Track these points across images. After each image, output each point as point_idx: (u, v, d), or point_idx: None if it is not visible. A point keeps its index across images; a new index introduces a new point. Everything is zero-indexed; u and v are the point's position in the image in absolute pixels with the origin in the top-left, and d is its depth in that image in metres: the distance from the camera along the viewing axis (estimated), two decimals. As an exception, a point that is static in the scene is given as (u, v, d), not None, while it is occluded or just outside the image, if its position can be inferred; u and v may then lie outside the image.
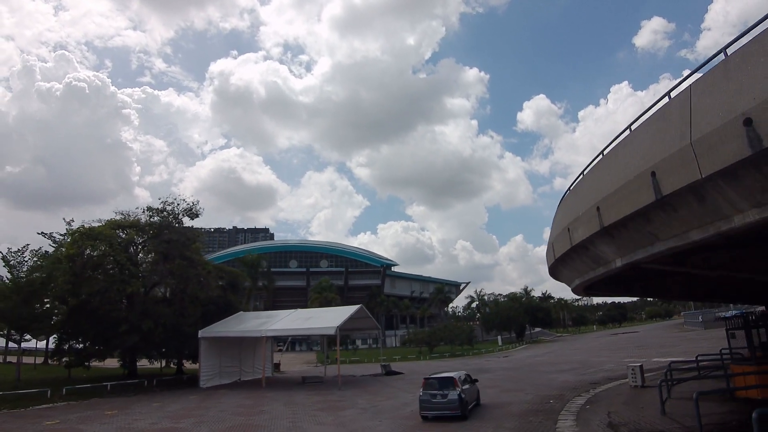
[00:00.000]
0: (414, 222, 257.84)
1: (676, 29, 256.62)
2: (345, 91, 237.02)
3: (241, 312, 38.48)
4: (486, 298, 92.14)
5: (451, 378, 16.64)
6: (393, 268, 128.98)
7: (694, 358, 23.71)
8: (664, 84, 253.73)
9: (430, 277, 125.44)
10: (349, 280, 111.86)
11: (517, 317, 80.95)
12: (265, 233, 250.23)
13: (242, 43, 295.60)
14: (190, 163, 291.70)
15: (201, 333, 33.02)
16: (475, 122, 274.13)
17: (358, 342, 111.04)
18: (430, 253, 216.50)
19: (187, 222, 37.12)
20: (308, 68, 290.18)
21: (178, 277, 33.59)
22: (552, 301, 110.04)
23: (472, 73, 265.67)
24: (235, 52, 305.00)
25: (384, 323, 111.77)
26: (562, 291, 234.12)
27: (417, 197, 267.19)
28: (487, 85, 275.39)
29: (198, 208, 37.15)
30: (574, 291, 20.07)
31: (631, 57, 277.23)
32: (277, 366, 47.45)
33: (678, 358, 33.01)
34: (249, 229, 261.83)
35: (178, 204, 36.38)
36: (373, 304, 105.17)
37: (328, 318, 31.75)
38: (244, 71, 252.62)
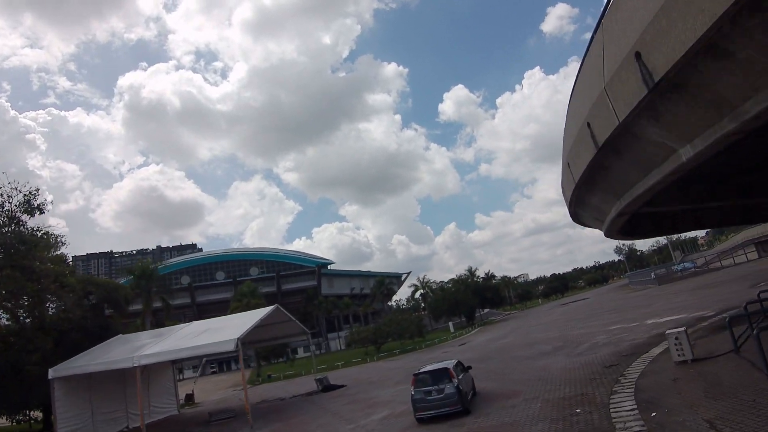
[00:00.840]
0: (348, 222, 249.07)
1: (579, 13, 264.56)
2: (264, 96, 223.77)
3: (120, 336, 28.37)
4: (431, 285, 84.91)
5: (445, 369, 14.63)
6: (329, 267, 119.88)
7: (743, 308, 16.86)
8: (573, 67, 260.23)
9: (369, 272, 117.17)
10: (282, 285, 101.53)
11: (466, 300, 74.23)
12: (192, 249, 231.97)
13: (150, 53, 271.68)
14: (108, 186, 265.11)
15: (52, 372, 22.80)
16: (398, 117, 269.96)
17: (300, 350, 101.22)
18: (368, 251, 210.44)
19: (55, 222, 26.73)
20: (223, 75, 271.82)
21: (7, 295, 23.30)
22: (495, 280, 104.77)
23: (390, 68, 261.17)
24: (144, 64, 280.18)
25: (325, 326, 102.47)
26: (503, 270, 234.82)
27: (348, 197, 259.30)
28: (407, 79, 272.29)
29: (42, 201, 26.61)
30: (611, 228, 13.09)
31: (540, 43, 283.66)
32: (189, 397, 37.45)
33: (673, 316, 26.80)
34: (175, 247, 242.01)
35: (9, 197, 25.63)
36: (310, 307, 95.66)
37: (230, 329, 22.59)
38: (156, 83, 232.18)
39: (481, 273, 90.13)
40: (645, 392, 12.09)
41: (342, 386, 28.23)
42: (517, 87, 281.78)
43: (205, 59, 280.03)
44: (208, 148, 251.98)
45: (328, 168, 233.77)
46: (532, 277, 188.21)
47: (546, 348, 26.05)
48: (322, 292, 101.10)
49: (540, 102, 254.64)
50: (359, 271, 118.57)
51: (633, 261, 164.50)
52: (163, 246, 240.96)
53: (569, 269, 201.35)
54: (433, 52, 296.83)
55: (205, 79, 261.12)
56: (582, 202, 13.58)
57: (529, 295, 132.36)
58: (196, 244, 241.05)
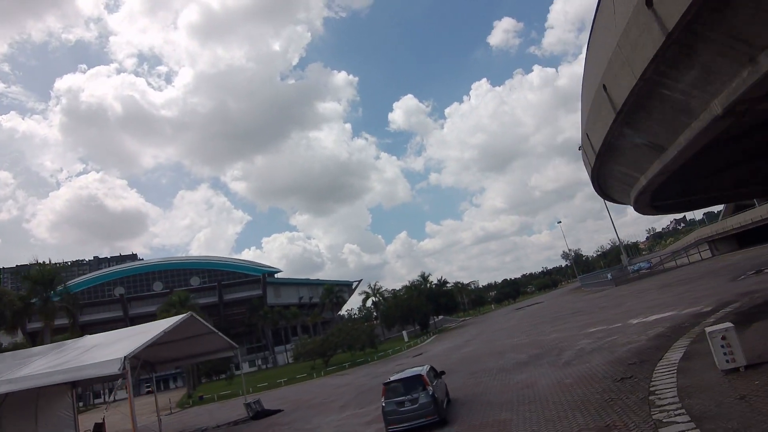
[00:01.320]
0: (299, 231, 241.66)
1: (524, 28, 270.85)
2: (211, 102, 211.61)
3: (-7, 357, 22.33)
4: (383, 292, 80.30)
5: (419, 376, 13.22)
6: (277, 275, 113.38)
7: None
8: (518, 79, 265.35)
9: (318, 280, 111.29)
10: (224, 295, 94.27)
11: (420, 306, 70.15)
12: (133, 260, 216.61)
13: (90, 55, 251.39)
14: (43, 195, 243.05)
15: None
16: (348, 125, 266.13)
17: (245, 365, 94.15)
18: (319, 260, 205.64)
19: None
20: (168, 80, 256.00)
21: None
22: (449, 285, 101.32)
23: (341, 77, 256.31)
24: (83, 66, 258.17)
25: (272, 338, 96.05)
26: (453, 278, 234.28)
27: (299, 206, 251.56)
28: (357, 87, 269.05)
29: None
30: (643, 193, 8.69)
31: (487, 55, 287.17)
32: (98, 427, 31.16)
33: (660, 314, 23.52)
34: (114, 258, 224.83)
35: None
36: (255, 318, 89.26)
37: (124, 343, 17.15)
38: (96, 86, 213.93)
39: (433, 279, 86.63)
40: (712, 422, 7.92)
41: (277, 411, 23.14)
42: (465, 98, 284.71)
43: (149, 63, 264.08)
44: (152, 155, 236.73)
45: (278, 177, 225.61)
46: (482, 284, 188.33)
47: (521, 357, 21.94)
48: (267, 302, 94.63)
49: (487, 112, 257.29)
50: (308, 279, 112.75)
51: (580, 266, 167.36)
52: (101, 257, 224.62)
53: (518, 275, 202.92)
54: (383, 62, 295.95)
55: (149, 84, 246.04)
56: (634, 118, 9.14)
57: (482, 300, 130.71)
58: (137, 254, 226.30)
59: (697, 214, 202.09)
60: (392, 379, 13.88)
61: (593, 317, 30.64)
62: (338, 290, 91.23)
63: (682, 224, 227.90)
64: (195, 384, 62.94)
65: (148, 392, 79.61)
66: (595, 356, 16.95)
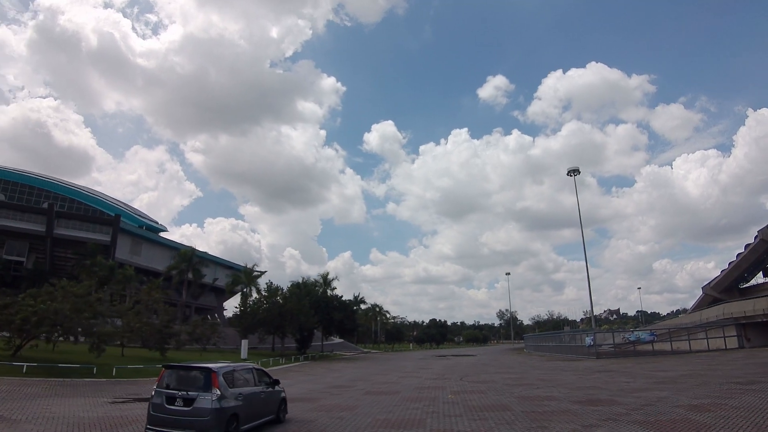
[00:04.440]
0: (245, 222, 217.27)
1: (514, 90, 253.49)
2: (192, 66, 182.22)
3: None
4: (258, 282, 54.13)
5: (207, 370, 9.38)
6: (162, 234, 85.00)
7: None
8: (496, 137, 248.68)
9: (215, 258, 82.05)
10: (55, 227, 65.35)
11: (300, 313, 44.24)
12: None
13: None
14: None
15: None
16: (323, 132, 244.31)
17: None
18: (257, 256, 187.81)
19: None
20: (155, 30, 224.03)
21: None
22: (363, 305, 75.07)
23: (329, 82, 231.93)
24: None
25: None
26: (375, 298, 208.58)
27: (252, 196, 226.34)
28: (342, 97, 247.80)
29: None
30: None
31: (473, 105, 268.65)
32: None
33: None
34: None
35: None
36: (79, 269, 60.01)
37: None
38: (77, 13, 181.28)
39: (341, 292, 60.81)
40: None
41: None
42: (442, 140, 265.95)
43: (140, 7, 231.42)
44: (115, 100, 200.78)
45: (239, 161, 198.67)
46: (411, 319, 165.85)
47: None
48: (116, 256, 66.11)
49: (459, 159, 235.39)
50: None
51: (514, 328, 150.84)
52: None
53: (447, 323, 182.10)
54: (374, 81, 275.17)
55: (134, 28, 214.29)
56: None
57: (400, 335, 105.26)
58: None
59: (631, 310, 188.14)
60: (179, 364, 10.33)
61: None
62: (197, 262, 62.95)
63: (615, 315, 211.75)
64: None
65: None
66: None
